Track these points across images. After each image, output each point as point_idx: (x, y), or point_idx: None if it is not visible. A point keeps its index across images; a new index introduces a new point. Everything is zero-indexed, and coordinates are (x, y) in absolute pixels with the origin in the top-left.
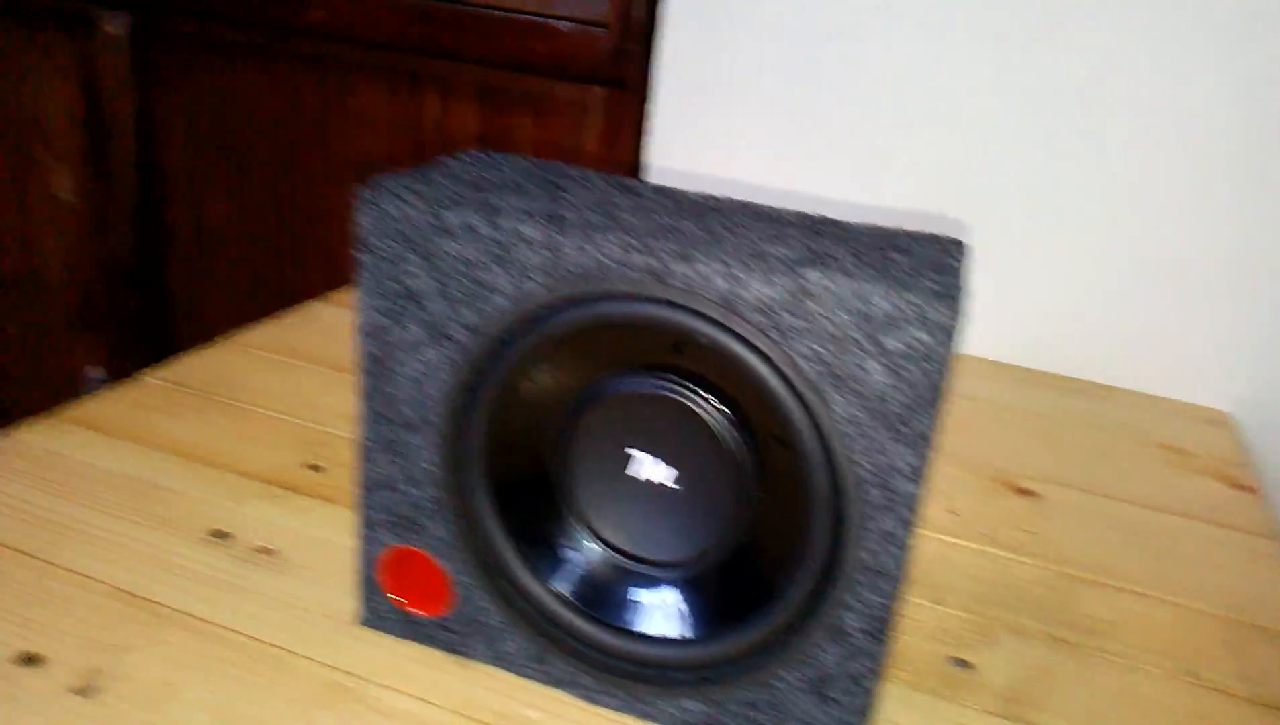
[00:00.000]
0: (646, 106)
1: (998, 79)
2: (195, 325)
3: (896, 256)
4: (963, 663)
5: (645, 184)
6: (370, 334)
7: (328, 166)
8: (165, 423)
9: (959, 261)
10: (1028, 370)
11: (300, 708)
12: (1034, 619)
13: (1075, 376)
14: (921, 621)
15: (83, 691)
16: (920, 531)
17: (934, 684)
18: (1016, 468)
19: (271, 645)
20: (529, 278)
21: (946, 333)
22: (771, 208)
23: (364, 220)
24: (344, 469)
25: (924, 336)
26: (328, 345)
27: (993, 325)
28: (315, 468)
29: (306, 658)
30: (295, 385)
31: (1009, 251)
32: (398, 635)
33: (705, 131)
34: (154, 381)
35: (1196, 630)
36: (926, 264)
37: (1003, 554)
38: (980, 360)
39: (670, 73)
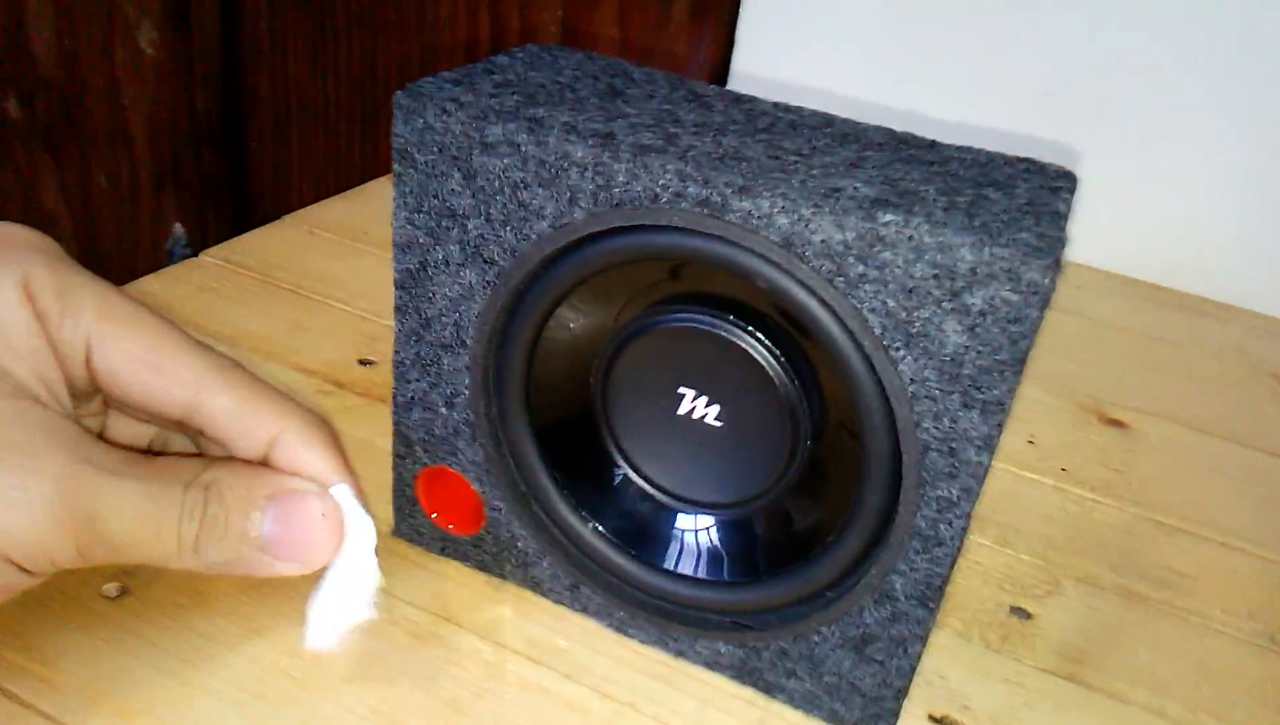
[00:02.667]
0: (736, 6)
1: None
2: (274, 191)
3: (992, 194)
4: (1022, 613)
5: (717, 91)
6: (406, 249)
7: (411, 45)
8: (224, 308)
9: (1066, 203)
10: (1139, 282)
11: None
12: (1107, 568)
13: (1192, 292)
14: (982, 563)
15: (119, 593)
16: (993, 463)
17: (988, 635)
18: (1109, 394)
19: None
20: (575, 204)
21: (1039, 293)
22: (857, 124)
23: (402, 130)
24: None
25: (1012, 296)
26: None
27: (1105, 231)
28: (367, 362)
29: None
30: (356, 271)
31: (1127, 160)
32: (431, 550)
33: (796, 35)
34: (216, 262)
35: None
36: (1026, 206)
37: (1082, 493)
38: (1086, 268)
39: None
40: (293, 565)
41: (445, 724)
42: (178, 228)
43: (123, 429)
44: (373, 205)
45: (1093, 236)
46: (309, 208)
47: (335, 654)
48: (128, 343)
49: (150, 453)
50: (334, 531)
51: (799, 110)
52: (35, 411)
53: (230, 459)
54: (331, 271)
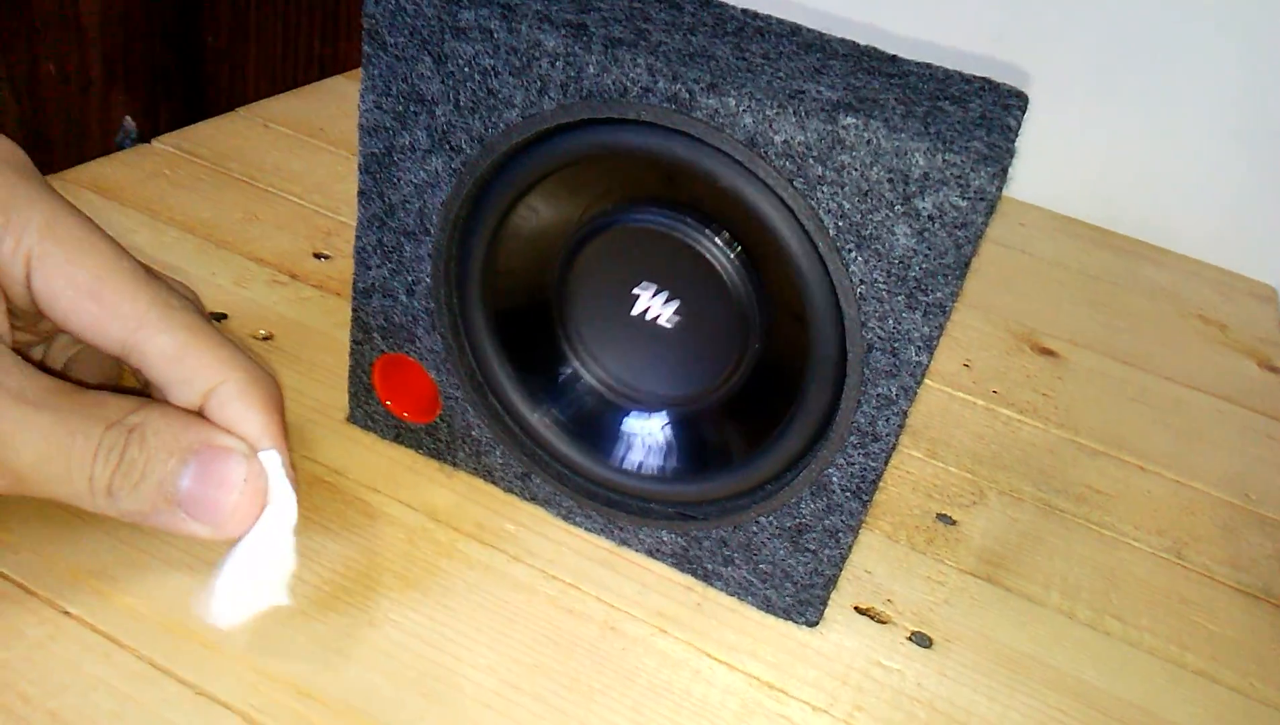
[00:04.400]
0: None
1: None
2: (229, 88)
3: (948, 107)
4: (947, 519)
5: None
6: (372, 133)
7: None
8: (176, 195)
9: (1016, 119)
10: (1082, 223)
11: None
12: (1030, 483)
13: (1131, 236)
14: (913, 474)
15: None
16: (929, 382)
17: (914, 537)
18: (1044, 326)
19: None
20: (545, 94)
21: (985, 201)
22: (822, 35)
23: (374, 10)
24: (350, 261)
25: (960, 201)
26: (351, 127)
27: (1046, 170)
28: (322, 256)
29: (292, 450)
30: (311, 165)
31: (1073, 97)
32: (385, 438)
33: None
34: (168, 149)
35: (1194, 512)
36: (979, 119)
37: (1011, 414)
38: (1032, 207)
39: None
40: (205, 528)
41: (397, 596)
42: (128, 121)
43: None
44: (329, 102)
45: (1040, 177)
46: (263, 101)
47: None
48: (71, 267)
49: (83, 384)
50: (254, 500)
51: (766, 18)
52: None
53: (164, 403)
54: (286, 165)
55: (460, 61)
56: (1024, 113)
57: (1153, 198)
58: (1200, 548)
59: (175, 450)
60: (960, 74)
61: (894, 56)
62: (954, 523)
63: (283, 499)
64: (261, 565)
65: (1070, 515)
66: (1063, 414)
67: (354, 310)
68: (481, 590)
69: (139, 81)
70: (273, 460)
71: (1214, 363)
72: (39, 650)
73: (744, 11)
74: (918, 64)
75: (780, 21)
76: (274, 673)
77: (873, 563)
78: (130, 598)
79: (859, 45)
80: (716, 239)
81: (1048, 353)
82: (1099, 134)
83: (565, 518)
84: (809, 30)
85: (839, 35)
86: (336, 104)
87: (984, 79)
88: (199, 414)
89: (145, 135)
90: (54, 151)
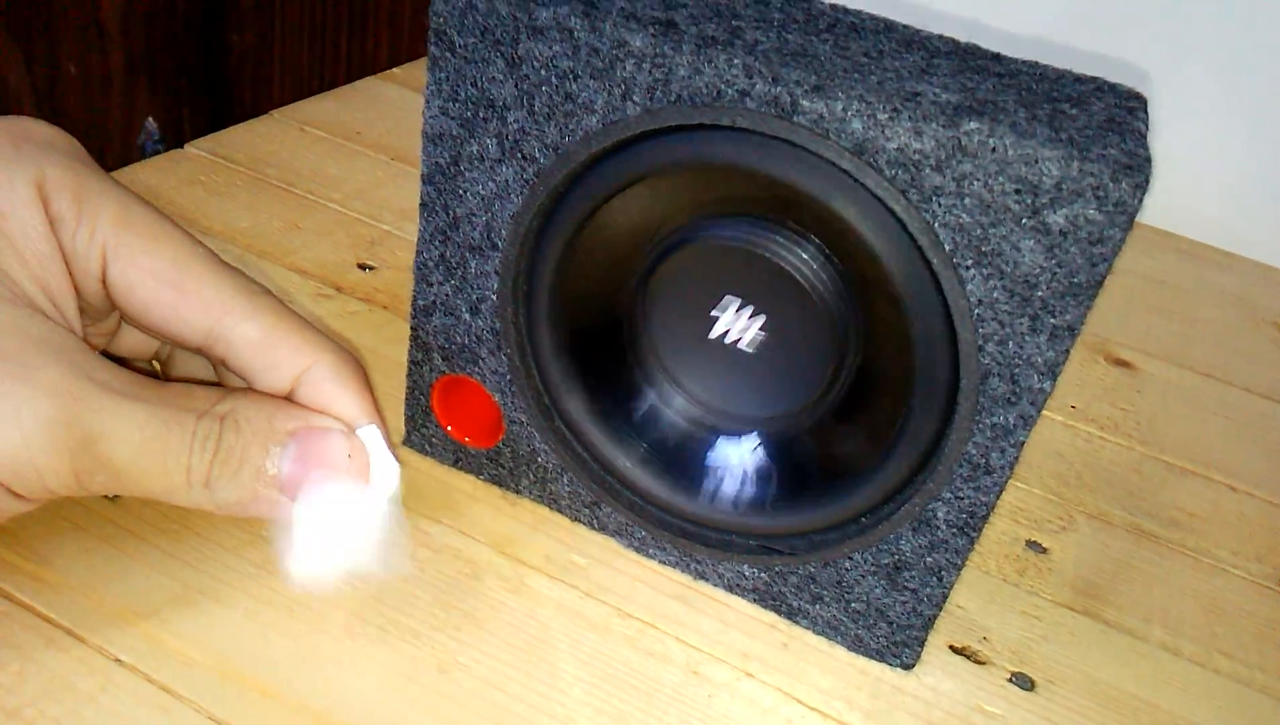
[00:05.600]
0: None
1: None
2: (254, 89)
3: (1070, 110)
4: (1038, 547)
5: None
6: (437, 141)
7: None
8: (214, 202)
9: (1143, 122)
10: (1141, 226)
11: None
12: (1118, 506)
13: (1193, 238)
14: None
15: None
16: None
17: (1005, 568)
18: (1115, 335)
19: None
20: (629, 98)
21: (1125, 213)
22: (919, 31)
23: (442, 9)
24: (396, 272)
25: (1097, 215)
26: (389, 130)
27: None
28: (366, 267)
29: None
30: (351, 171)
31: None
32: (444, 462)
33: None
34: (201, 154)
35: None
36: (1106, 122)
37: (1091, 430)
38: None
39: None
40: None
41: (466, 637)
42: (150, 123)
43: (129, 346)
44: (364, 105)
45: None
46: (295, 104)
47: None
48: (148, 257)
49: (160, 377)
50: (360, 475)
51: (858, 13)
52: (35, 320)
53: (249, 390)
54: (324, 170)
55: (536, 64)
56: (1148, 116)
57: (1215, 199)
58: None
59: (272, 434)
60: (1072, 73)
61: (998, 54)
62: (1044, 550)
63: (387, 471)
64: (369, 538)
65: (1163, 540)
66: (1144, 430)
67: (413, 329)
68: (554, 630)
69: (161, 82)
70: (372, 435)
71: None
72: (90, 705)
73: (833, 7)
74: (1025, 62)
75: (873, 17)
76: (340, 723)
77: (964, 596)
78: (183, 642)
79: (959, 42)
80: (807, 254)
81: (1122, 364)
82: (1158, 134)
83: (638, 549)
84: (903, 26)
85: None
86: (373, 106)
87: (1098, 79)
88: (288, 398)
89: (168, 137)
90: None
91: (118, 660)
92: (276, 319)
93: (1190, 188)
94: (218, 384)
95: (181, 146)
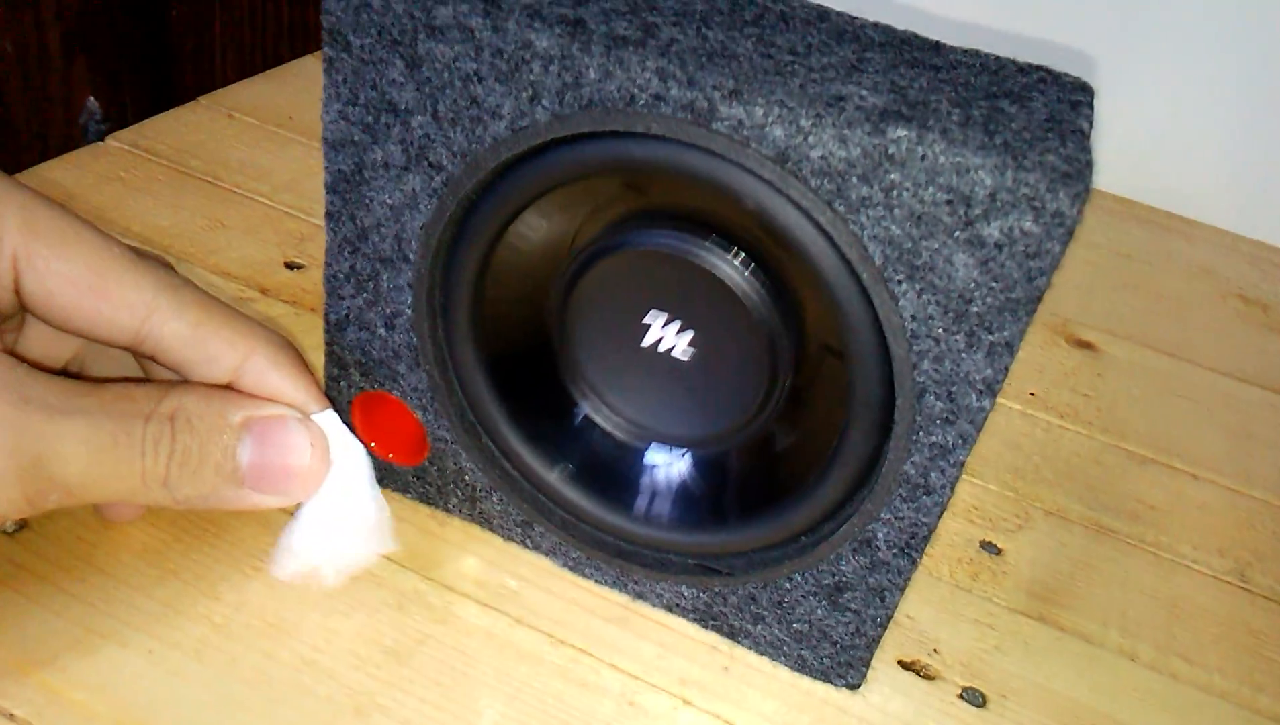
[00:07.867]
0: None
1: None
2: (195, 62)
3: (1008, 107)
4: (992, 548)
5: None
6: (339, 148)
7: None
8: (132, 200)
9: (1088, 120)
10: (1104, 195)
11: (238, 558)
12: (1076, 500)
13: (1152, 204)
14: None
15: (17, 528)
16: None
17: (957, 572)
18: (1077, 314)
19: None
20: (537, 103)
21: (1064, 226)
22: (853, 20)
23: (334, 7)
24: None
25: (1033, 227)
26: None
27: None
28: (294, 266)
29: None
30: (280, 160)
31: (1095, 59)
32: None
33: None
34: (121, 147)
35: (1254, 525)
36: (1047, 122)
37: (1050, 418)
38: None
39: None
40: (275, 498)
41: (387, 675)
42: (92, 102)
43: (39, 340)
44: (300, 86)
45: None
46: (229, 88)
47: (259, 600)
48: (62, 263)
49: (77, 376)
50: (323, 459)
51: (788, 1)
52: None
53: (189, 383)
54: (253, 161)
55: (438, 65)
56: (1093, 110)
57: (1180, 165)
58: (1264, 567)
59: (226, 428)
60: (1014, 62)
61: (937, 44)
62: (999, 551)
63: (352, 453)
64: (347, 521)
65: (1123, 536)
66: (1106, 417)
67: (327, 344)
68: (481, 664)
69: (100, 60)
70: (331, 420)
71: (1260, 350)
72: None
73: None
74: (965, 51)
75: (804, 4)
76: None
77: (915, 604)
78: (83, 693)
79: (896, 30)
80: (737, 261)
81: (1085, 346)
82: (1122, 99)
83: (573, 569)
84: (838, 13)
85: (871, 18)
86: (308, 87)
87: (1041, 68)
88: (228, 389)
89: (111, 117)
90: (20, 136)
91: (10, 716)
92: (205, 313)
93: (1150, 155)
94: (146, 378)
95: (126, 124)
